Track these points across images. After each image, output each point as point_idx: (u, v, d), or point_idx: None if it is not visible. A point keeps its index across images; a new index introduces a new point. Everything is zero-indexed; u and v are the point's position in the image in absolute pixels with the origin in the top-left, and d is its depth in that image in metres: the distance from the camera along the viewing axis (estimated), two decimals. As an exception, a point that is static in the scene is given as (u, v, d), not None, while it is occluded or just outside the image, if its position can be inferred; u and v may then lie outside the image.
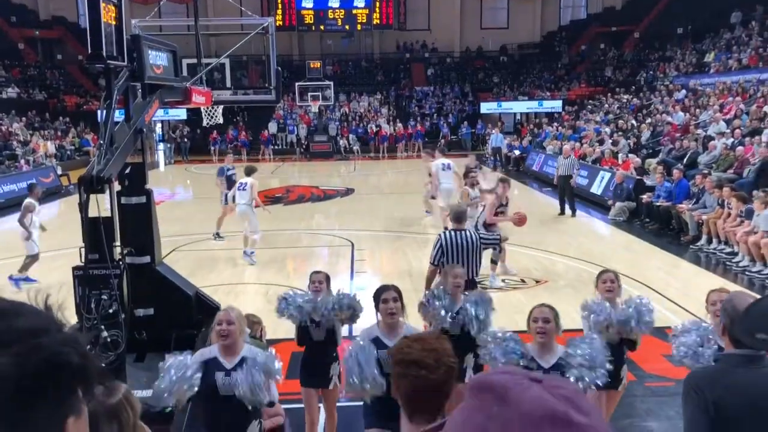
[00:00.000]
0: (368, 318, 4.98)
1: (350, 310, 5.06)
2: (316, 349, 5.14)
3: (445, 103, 39.36)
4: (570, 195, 15.93)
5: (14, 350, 0.78)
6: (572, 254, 11.76)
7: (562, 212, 15.89)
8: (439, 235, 6.93)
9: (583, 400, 0.89)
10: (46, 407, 0.80)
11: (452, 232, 6.79)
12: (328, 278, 5.30)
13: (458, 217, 7.05)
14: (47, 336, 0.83)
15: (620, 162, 17.88)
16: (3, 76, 34.23)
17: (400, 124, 35.07)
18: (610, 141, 20.96)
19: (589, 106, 31.32)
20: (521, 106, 37.76)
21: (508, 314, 8.47)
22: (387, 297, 4.43)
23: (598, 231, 14.99)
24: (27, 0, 40.46)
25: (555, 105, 35.73)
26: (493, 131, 29.90)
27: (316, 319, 5.04)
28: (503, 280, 10.11)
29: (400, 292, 4.51)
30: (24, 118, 29.29)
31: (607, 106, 29.49)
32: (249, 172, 11.87)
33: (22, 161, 23.08)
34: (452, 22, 42.78)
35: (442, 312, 5.04)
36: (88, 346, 0.89)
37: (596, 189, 17.64)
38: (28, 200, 10.60)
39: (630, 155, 18.20)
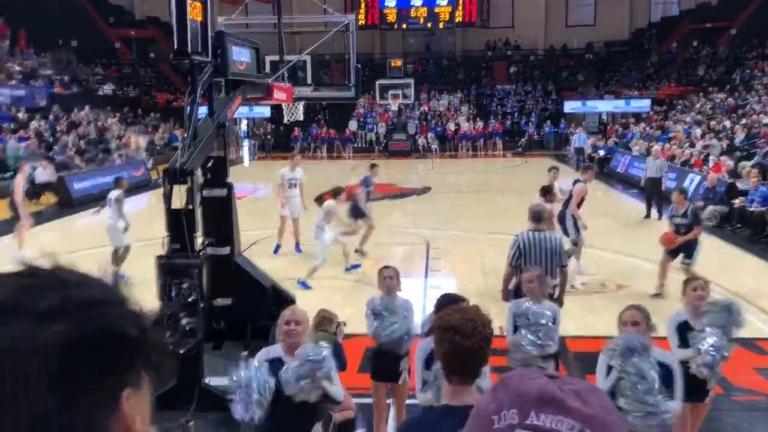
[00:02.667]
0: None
1: None
2: None
3: (527, 101, 38.68)
4: (658, 198, 15.25)
5: (69, 319, 0.79)
6: (657, 259, 11.28)
7: (648, 216, 15.28)
8: (517, 235, 6.65)
9: (594, 397, 0.90)
10: (98, 377, 0.80)
11: (531, 233, 6.56)
12: (398, 273, 5.28)
13: (537, 216, 6.82)
14: (105, 307, 0.83)
15: (710, 164, 17.05)
16: (101, 74, 36.00)
17: (480, 122, 34.70)
18: (701, 142, 20.03)
19: (679, 106, 30.06)
20: (607, 105, 36.58)
21: (582, 318, 8.23)
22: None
23: (686, 236, 14.32)
24: (124, 1, 42.44)
25: (643, 104, 34.38)
26: (577, 131, 29.15)
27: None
28: (582, 283, 9.80)
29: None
30: (118, 114, 30.70)
31: (698, 106, 28.21)
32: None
33: (116, 155, 24.17)
34: (537, 19, 42.00)
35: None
36: (154, 323, 0.89)
37: (685, 192, 16.89)
38: (119, 192, 10.48)
39: (722, 158, 17.32)
